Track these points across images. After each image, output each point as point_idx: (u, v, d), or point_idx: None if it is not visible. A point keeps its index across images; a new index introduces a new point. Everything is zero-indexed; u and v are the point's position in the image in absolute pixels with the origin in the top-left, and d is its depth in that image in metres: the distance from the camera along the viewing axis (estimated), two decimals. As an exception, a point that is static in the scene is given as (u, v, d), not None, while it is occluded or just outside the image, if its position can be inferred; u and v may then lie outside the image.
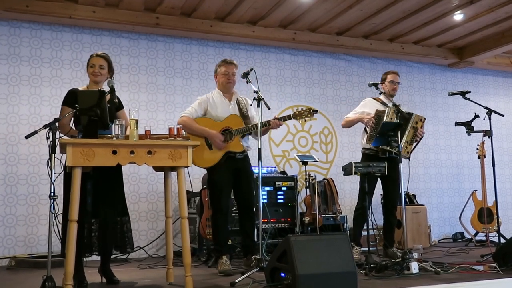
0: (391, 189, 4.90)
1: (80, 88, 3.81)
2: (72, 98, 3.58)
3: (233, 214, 5.18)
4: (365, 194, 4.55)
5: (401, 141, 4.51)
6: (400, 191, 4.32)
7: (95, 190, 3.58)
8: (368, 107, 4.92)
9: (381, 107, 4.82)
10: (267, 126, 4.21)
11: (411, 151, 4.77)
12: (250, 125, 4.22)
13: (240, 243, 4.95)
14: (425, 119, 4.85)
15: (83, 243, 3.51)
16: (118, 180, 3.74)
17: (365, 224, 4.84)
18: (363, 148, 4.95)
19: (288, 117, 4.17)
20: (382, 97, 4.99)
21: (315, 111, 4.21)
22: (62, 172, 3.46)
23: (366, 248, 4.31)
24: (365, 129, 4.89)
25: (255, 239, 4.60)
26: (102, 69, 3.74)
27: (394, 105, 4.57)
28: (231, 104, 4.37)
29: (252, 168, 4.47)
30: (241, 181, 4.30)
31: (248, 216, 4.38)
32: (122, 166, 3.50)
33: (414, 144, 4.80)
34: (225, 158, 4.22)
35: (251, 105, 4.38)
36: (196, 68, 6.34)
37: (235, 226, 5.04)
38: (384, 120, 4.58)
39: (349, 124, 5.04)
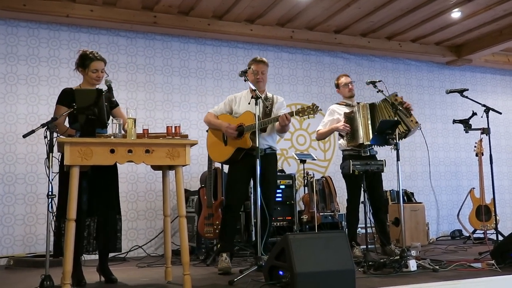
0: (375, 186, 4.90)
1: (74, 88, 3.74)
2: (67, 97, 3.56)
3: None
4: (365, 192, 4.57)
5: (404, 124, 4.46)
6: (398, 189, 4.31)
7: (91, 188, 3.58)
8: (336, 113, 4.95)
9: (347, 109, 4.88)
10: (276, 122, 4.14)
11: (415, 121, 4.50)
12: (260, 122, 4.15)
13: (240, 242, 4.96)
14: (396, 94, 4.57)
15: (81, 242, 3.51)
16: (114, 178, 3.75)
17: (357, 223, 4.95)
18: (344, 150, 4.95)
19: (291, 114, 4.12)
20: (344, 100, 5.05)
21: (318, 107, 4.13)
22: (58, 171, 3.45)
23: (364, 246, 4.32)
24: (339, 134, 4.92)
25: (253, 238, 4.59)
26: (103, 72, 3.71)
27: (359, 103, 4.67)
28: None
29: (276, 166, 4.46)
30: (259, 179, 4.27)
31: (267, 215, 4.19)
32: (120, 165, 3.50)
33: (413, 115, 4.57)
34: (241, 155, 4.20)
35: (259, 102, 4.26)
36: (194, 67, 6.34)
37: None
38: (357, 118, 4.63)
39: (324, 137, 5.11)
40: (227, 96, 4.57)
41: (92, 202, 3.60)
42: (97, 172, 3.51)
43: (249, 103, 4.30)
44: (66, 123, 3.65)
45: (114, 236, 3.68)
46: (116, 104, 3.84)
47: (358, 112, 4.66)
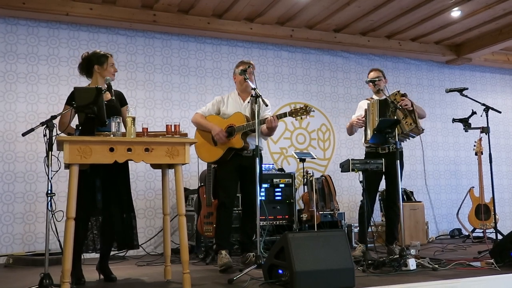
0: (388, 184, 4.87)
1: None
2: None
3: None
4: (364, 191, 4.56)
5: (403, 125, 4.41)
6: (399, 187, 4.30)
7: (104, 187, 3.62)
8: (362, 109, 4.92)
9: None
10: (263, 124, 4.21)
11: (411, 122, 4.42)
12: (251, 122, 4.21)
13: (237, 240, 4.96)
14: (398, 91, 4.56)
15: (88, 240, 3.55)
16: (125, 177, 3.77)
17: (369, 222, 4.87)
18: (365, 147, 4.95)
19: (284, 115, 4.16)
20: (374, 96, 4.99)
21: (311, 110, 4.17)
22: (60, 169, 3.44)
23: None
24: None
25: (254, 236, 4.59)
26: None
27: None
28: (244, 104, 4.43)
29: (262, 166, 4.50)
30: (245, 179, 4.33)
31: (249, 214, 4.33)
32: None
33: (412, 116, 4.48)
34: (231, 155, 4.28)
35: (253, 104, 4.31)
36: (194, 66, 6.33)
37: (232, 223, 5.04)
38: (367, 114, 4.60)
39: (348, 132, 5.10)
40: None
41: (104, 200, 3.64)
42: (109, 171, 3.54)
43: (252, 103, 4.33)
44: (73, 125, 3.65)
45: (132, 233, 3.71)
46: (126, 102, 3.89)
47: (369, 109, 4.64)
